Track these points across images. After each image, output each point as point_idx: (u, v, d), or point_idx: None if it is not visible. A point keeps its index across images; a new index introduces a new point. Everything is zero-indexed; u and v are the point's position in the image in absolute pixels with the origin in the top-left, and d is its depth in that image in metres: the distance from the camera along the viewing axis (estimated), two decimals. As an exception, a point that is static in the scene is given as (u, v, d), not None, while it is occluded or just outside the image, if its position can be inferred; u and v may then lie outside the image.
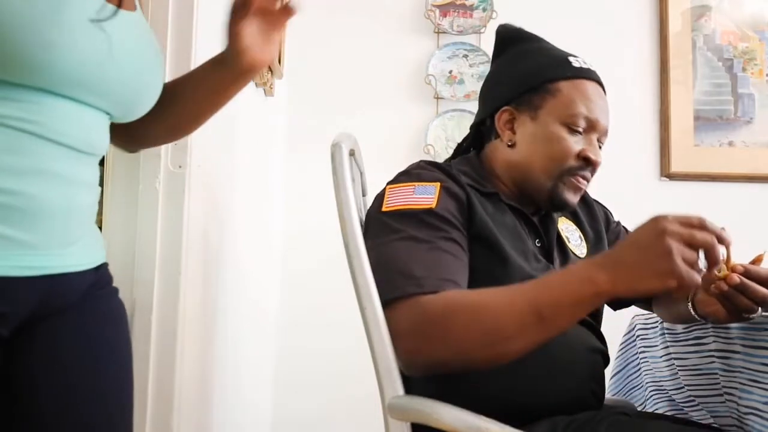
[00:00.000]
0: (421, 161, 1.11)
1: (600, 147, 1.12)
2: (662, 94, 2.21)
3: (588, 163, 1.09)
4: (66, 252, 0.76)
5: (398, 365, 0.93)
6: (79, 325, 0.79)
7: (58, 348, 0.77)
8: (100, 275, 0.83)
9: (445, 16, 2.23)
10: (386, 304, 0.93)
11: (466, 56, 2.21)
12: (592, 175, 1.12)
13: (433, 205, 1.00)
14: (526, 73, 1.14)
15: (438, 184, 1.03)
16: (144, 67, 0.82)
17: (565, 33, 2.24)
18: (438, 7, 2.23)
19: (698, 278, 0.80)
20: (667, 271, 0.79)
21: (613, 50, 2.24)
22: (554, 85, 1.11)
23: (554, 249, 1.12)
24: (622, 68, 2.24)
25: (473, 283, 0.98)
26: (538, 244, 1.11)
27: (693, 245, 0.80)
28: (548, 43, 1.22)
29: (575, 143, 1.09)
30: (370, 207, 1.07)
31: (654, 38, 2.26)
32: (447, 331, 0.88)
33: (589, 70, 1.16)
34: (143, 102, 0.84)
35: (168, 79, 1.15)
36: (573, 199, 1.10)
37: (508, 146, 1.13)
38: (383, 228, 1.00)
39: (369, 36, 2.24)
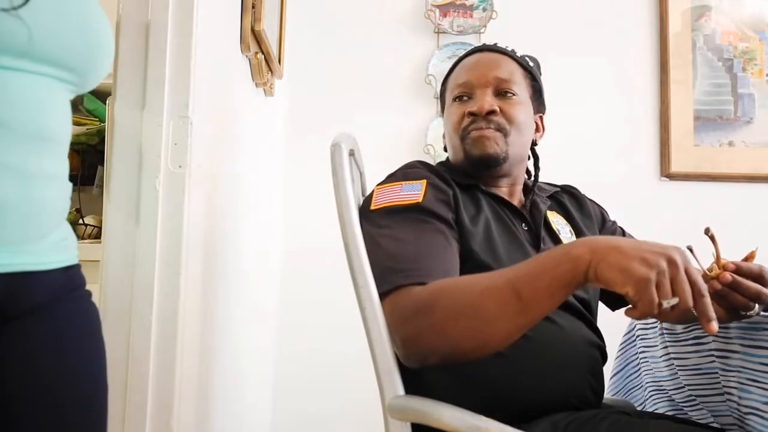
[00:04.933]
0: (408, 162, 1.16)
1: (506, 94, 1.15)
2: (662, 94, 2.21)
3: (476, 115, 1.13)
4: (27, 249, 0.72)
5: (399, 358, 0.94)
6: (50, 328, 0.76)
7: (29, 351, 0.74)
8: (70, 276, 0.79)
9: (445, 16, 2.23)
10: (380, 298, 0.95)
11: (466, 56, 2.21)
12: (492, 123, 1.13)
13: (420, 200, 1.03)
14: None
15: (424, 180, 1.07)
16: (82, 15, 0.77)
17: (565, 33, 2.25)
18: (438, 7, 2.23)
19: (654, 306, 0.74)
20: (636, 275, 0.75)
21: (613, 50, 2.24)
22: (447, 79, 1.24)
23: (541, 233, 1.13)
24: (623, 68, 2.24)
25: (464, 273, 1.00)
26: (525, 228, 1.14)
27: (675, 283, 0.76)
28: None
29: (462, 107, 1.16)
30: (360, 208, 1.09)
31: (654, 38, 2.26)
32: (433, 317, 0.88)
33: (475, 47, 1.24)
34: (97, 54, 0.79)
35: (169, 76, 1.15)
36: (481, 150, 1.13)
37: (445, 151, 1.25)
38: (372, 226, 1.03)
39: (369, 36, 2.24)
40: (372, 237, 1.01)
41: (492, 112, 1.13)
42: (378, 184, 1.11)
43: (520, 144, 1.16)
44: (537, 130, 1.24)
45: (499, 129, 1.13)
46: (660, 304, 0.75)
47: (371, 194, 1.10)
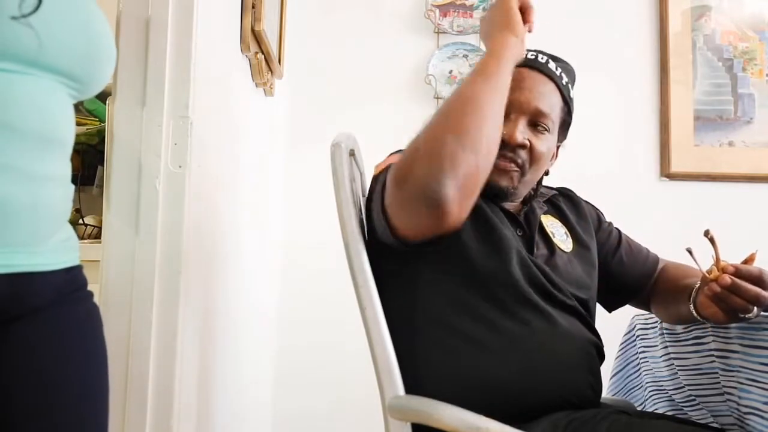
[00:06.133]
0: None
1: (540, 128, 1.11)
2: (662, 94, 2.21)
3: (506, 144, 1.07)
4: (32, 251, 0.73)
5: (430, 217, 0.94)
6: (52, 328, 0.76)
7: (31, 351, 0.74)
8: (72, 277, 0.80)
9: (445, 16, 2.23)
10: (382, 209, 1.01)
11: (466, 56, 2.21)
12: (518, 157, 1.10)
13: None
14: None
15: None
16: (88, 25, 0.78)
17: (566, 33, 2.25)
18: (438, 7, 2.23)
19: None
20: None
21: (613, 50, 2.24)
22: None
23: (535, 238, 1.13)
24: (622, 68, 2.24)
25: (466, 255, 1.04)
26: (519, 234, 1.13)
27: None
28: None
29: None
30: (366, 195, 1.12)
31: (654, 38, 2.26)
32: (424, 139, 0.97)
33: (527, 59, 1.14)
34: (100, 64, 0.80)
35: (169, 75, 1.16)
36: (500, 182, 1.10)
37: None
38: (374, 185, 1.06)
39: (369, 36, 2.24)
40: (373, 191, 1.05)
41: (521, 146, 1.10)
42: (376, 165, 1.13)
43: (532, 181, 1.15)
44: (552, 157, 1.20)
45: (520, 166, 1.11)
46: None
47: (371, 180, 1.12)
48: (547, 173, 1.21)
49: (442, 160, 0.91)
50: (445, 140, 0.92)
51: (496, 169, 1.07)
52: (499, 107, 0.99)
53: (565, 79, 1.16)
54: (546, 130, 1.12)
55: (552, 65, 1.15)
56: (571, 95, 1.18)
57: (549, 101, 1.12)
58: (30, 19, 0.69)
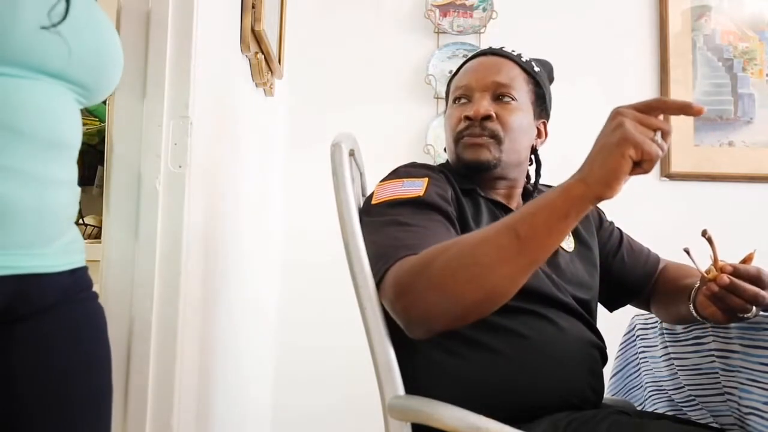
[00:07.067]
0: (410, 162, 1.16)
1: (505, 99, 1.15)
2: (662, 94, 2.21)
3: (472, 120, 1.13)
4: (37, 252, 0.73)
5: (405, 331, 0.93)
6: (58, 328, 0.77)
7: (38, 350, 0.75)
8: (76, 278, 0.81)
9: (445, 16, 2.23)
10: (379, 281, 0.95)
11: (466, 56, 2.21)
12: (486, 130, 1.13)
13: (422, 194, 1.04)
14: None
15: (426, 178, 1.08)
16: (101, 34, 0.78)
17: (565, 33, 2.25)
18: (438, 7, 2.23)
19: (657, 148, 0.77)
20: (621, 139, 0.77)
21: (613, 50, 2.24)
22: (451, 81, 1.24)
23: None
24: (622, 68, 2.24)
25: None
26: None
27: (645, 123, 0.80)
28: None
29: (460, 110, 1.16)
30: (362, 206, 1.10)
31: (654, 38, 2.26)
32: (431, 273, 0.87)
33: (482, 50, 1.24)
34: (109, 73, 0.81)
35: (169, 75, 1.16)
36: (472, 155, 1.14)
37: (446, 152, 1.23)
38: (373, 217, 1.03)
39: (369, 36, 2.24)
40: (373, 225, 1.02)
41: (487, 118, 1.13)
42: (380, 182, 1.12)
43: (515, 150, 1.15)
44: (539, 135, 1.22)
45: (493, 136, 1.13)
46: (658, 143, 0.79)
47: (373, 191, 1.10)
48: (536, 149, 1.23)
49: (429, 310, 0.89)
50: (442, 310, 0.88)
51: (470, 147, 1.14)
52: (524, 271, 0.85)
53: (524, 58, 1.20)
54: (511, 99, 1.15)
55: (507, 50, 1.21)
56: (535, 71, 1.21)
57: (506, 73, 1.17)
58: (59, 28, 0.69)
